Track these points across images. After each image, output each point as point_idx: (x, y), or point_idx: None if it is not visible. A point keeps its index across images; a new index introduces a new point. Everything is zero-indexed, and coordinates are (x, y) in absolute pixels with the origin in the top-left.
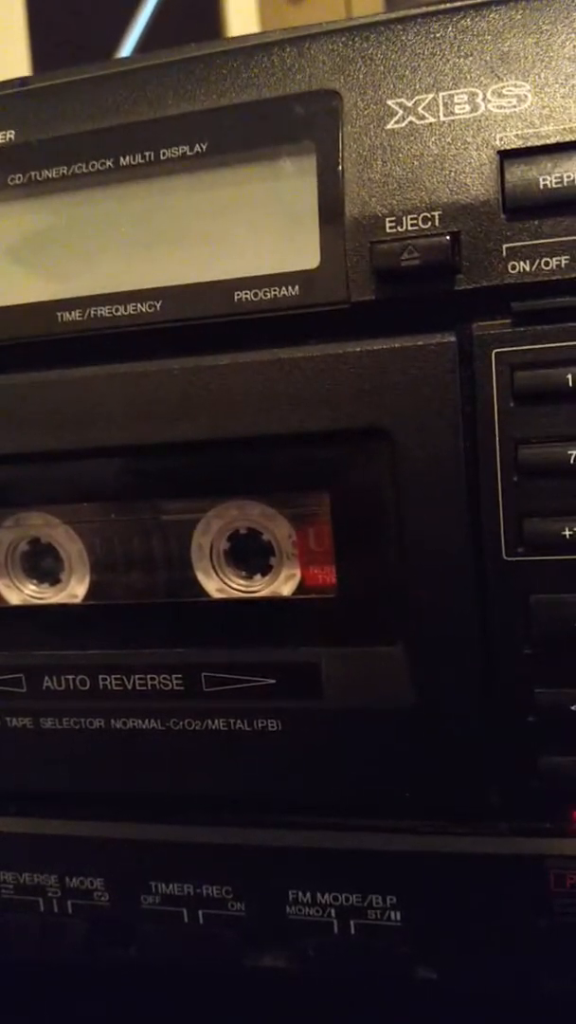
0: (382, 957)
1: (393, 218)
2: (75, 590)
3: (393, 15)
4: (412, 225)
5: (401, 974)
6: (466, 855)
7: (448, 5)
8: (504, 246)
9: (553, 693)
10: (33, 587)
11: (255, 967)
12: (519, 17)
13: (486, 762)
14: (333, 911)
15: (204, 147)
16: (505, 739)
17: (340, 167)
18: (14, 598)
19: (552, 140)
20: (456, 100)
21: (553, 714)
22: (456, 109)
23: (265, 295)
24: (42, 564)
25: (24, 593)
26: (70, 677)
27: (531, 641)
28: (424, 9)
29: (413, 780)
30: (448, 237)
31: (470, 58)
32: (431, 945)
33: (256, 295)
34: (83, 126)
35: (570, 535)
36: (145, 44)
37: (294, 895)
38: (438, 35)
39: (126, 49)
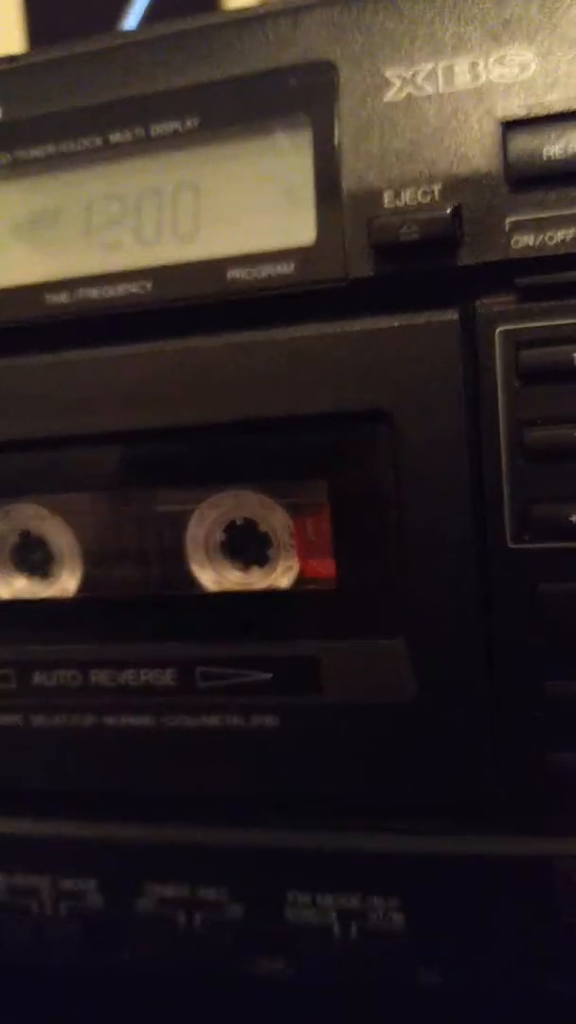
0: (384, 961)
1: (392, 192)
2: (67, 583)
3: None
4: (411, 199)
5: (404, 978)
6: (471, 855)
7: None
8: (507, 219)
9: (562, 685)
10: (24, 581)
11: (253, 971)
12: None
13: (492, 758)
14: (334, 914)
15: (196, 122)
16: (511, 734)
17: (336, 140)
18: (4, 592)
19: (557, 109)
20: (456, 69)
21: (562, 708)
22: (456, 79)
23: (260, 273)
24: (33, 557)
25: (14, 587)
26: (61, 672)
27: (539, 632)
28: None
29: (416, 778)
30: (449, 211)
31: (471, 25)
32: (435, 948)
33: (250, 273)
34: (71, 103)
35: None
36: (142, 24)
37: (293, 897)
38: (437, 2)
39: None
